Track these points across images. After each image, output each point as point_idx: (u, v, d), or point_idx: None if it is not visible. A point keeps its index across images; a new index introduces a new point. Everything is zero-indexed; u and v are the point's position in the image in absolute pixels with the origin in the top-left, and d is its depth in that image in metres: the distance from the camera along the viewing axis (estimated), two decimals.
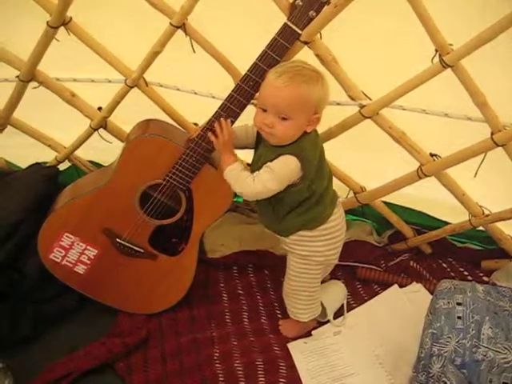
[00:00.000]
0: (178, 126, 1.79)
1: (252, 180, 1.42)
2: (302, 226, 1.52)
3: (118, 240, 1.67)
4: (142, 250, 1.69)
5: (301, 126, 1.39)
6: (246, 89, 1.42)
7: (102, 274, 1.73)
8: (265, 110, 1.37)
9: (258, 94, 1.42)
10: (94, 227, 1.66)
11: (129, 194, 1.60)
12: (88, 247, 1.68)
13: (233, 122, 1.47)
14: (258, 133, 1.49)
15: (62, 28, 1.58)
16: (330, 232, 1.55)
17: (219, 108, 1.46)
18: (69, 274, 1.72)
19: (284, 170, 1.40)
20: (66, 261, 1.70)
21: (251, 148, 1.54)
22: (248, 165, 1.52)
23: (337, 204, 1.58)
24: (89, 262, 1.70)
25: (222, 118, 1.47)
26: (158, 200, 1.60)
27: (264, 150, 1.46)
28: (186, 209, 1.62)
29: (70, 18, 1.58)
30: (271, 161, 1.40)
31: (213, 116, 1.47)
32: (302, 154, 1.39)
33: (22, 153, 2.11)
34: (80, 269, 1.71)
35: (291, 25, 1.39)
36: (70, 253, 1.68)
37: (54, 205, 1.71)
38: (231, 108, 1.45)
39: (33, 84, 1.76)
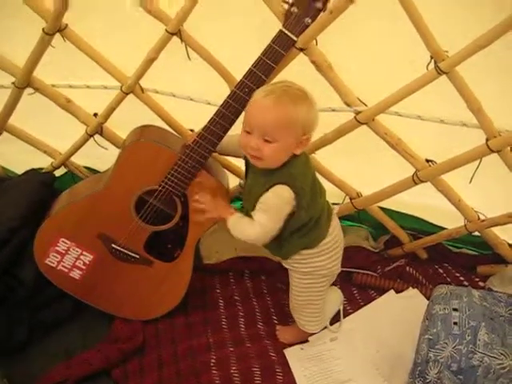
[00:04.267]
0: (173, 133, 1.78)
1: (251, 225, 1.40)
2: (303, 247, 1.50)
3: (113, 245, 1.66)
4: (138, 256, 1.69)
5: (288, 148, 1.34)
6: (242, 95, 1.42)
7: (98, 280, 1.73)
8: (249, 133, 1.33)
9: None
10: (89, 232, 1.66)
11: (124, 199, 1.60)
12: (84, 252, 1.68)
13: (227, 130, 1.47)
14: (246, 157, 1.46)
15: (58, 35, 1.59)
16: (331, 245, 1.53)
17: (214, 115, 1.46)
18: (64, 279, 1.72)
19: (279, 204, 1.36)
20: (62, 266, 1.70)
21: (240, 157, 1.53)
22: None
23: (333, 216, 1.55)
24: (84, 267, 1.70)
25: (199, 195, 1.49)
26: (153, 206, 1.60)
27: (254, 179, 1.43)
28: (181, 215, 1.62)
29: (66, 25, 1.58)
30: (262, 194, 1.36)
31: (208, 122, 1.46)
32: (296, 183, 1.35)
33: (18, 159, 2.11)
34: (75, 274, 1.71)
35: (286, 32, 1.39)
36: (65, 258, 1.68)
37: (50, 210, 1.71)
38: (226, 115, 1.45)
39: (28, 90, 1.76)
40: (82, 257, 1.69)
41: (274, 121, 1.29)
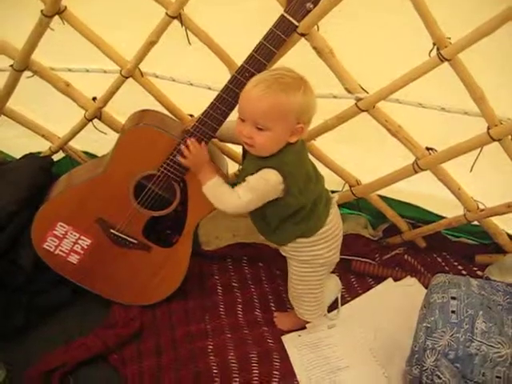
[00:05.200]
0: (173, 118, 1.77)
1: (230, 195, 1.41)
2: (299, 235, 1.50)
3: (111, 230, 1.66)
4: (136, 241, 1.68)
5: (282, 136, 1.34)
6: (242, 80, 1.40)
7: (96, 264, 1.73)
8: (243, 120, 1.33)
9: None
10: (87, 217, 1.65)
11: (123, 184, 1.59)
12: (81, 237, 1.68)
13: (227, 115, 1.45)
14: None
15: (57, 17, 1.57)
16: (329, 234, 1.52)
17: (215, 99, 1.45)
18: (62, 264, 1.72)
19: (262, 184, 1.36)
20: (60, 250, 1.70)
21: (239, 143, 1.52)
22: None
23: (332, 204, 1.55)
24: (82, 251, 1.70)
25: (188, 140, 1.47)
26: (152, 191, 1.59)
27: (247, 161, 1.43)
28: (180, 200, 1.62)
29: (65, 7, 1.56)
30: (252, 174, 1.37)
31: (208, 107, 1.45)
32: (285, 169, 1.35)
33: (16, 143, 2.10)
34: (73, 258, 1.71)
35: (288, 16, 1.38)
36: (63, 242, 1.68)
37: (48, 194, 1.71)
38: (227, 99, 1.43)
39: (27, 73, 1.74)
40: (79, 241, 1.68)
41: (264, 110, 1.28)
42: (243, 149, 1.47)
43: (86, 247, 1.69)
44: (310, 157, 1.55)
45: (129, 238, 1.68)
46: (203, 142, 1.49)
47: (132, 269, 1.74)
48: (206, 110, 1.46)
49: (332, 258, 1.57)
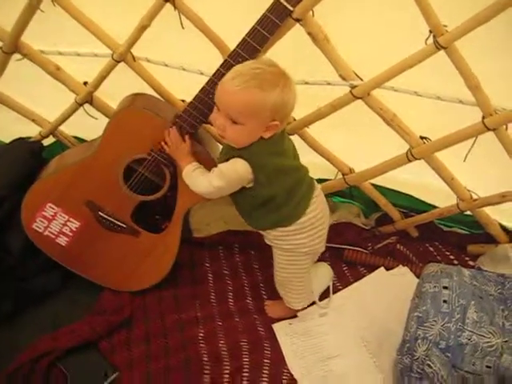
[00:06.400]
0: (166, 102, 1.75)
1: (202, 179, 1.43)
2: (275, 223, 1.49)
3: (100, 213, 1.66)
4: (125, 225, 1.68)
5: (254, 132, 1.33)
6: (234, 65, 1.37)
7: (84, 248, 1.72)
8: (219, 109, 1.32)
9: None
10: (77, 199, 1.65)
11: (113, 166, 1.59)
12: (70, 219, 1.68)
13: (212, 107, 1.40)
14: None
15: None
16: (312, 223, 1.51)
17: (206, 84, 1.43)
18: (51, 245, 1.72)
19: (231, 172, 1.37)
20: (49, 231, 1.70)
21: None
22: None
23: (315, 193, 1.52)
24: (71, 234, 1.70)
25: (170, 129, 1.48)
26: (142, 175, 1.59)
27: (223, 148, 1.45)
28: (169, 186, 1.61)
29: None
30: (223, 162, 1.38)
31: (200, 92, 1.44)
32: (254, 160, 1.35)
33: (6, 127, 2.07)
34: (62, 240, 1.71)
35: (282, 1, 1.35)
36: (52, 223, 1.68)
37: (39, 175, 1.71)
38: (216, 82, 1.39)
39: (16, 56, 1.71)
40: (68, 223, 1.68)
41: (238, 105, 1.27)
42: None
43: (74, 229, 1.69)
44: (300, 145, 1.53)
45: (117, 222, 1.67)
46: (188, 133, 1.49)
47: (120, 253, 1.73)
48: (197, 95, 1.45)
49: (316, 247, 1.57)
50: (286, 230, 1.50)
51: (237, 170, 1.36)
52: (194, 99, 1.46)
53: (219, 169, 1.39)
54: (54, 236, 1.70)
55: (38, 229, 1.69)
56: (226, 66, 1.39)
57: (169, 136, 1.49)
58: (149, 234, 1.70)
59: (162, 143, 1.51)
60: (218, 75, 1.40)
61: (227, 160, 1.38)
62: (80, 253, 1.73)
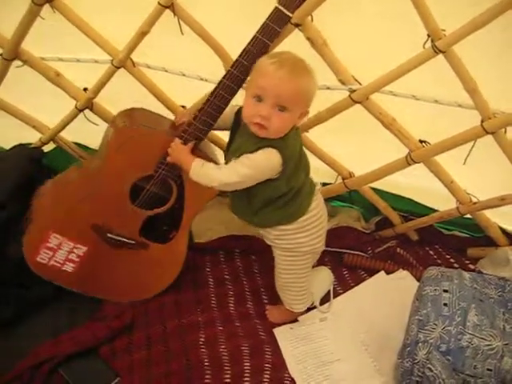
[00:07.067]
0: (165, 108, 1.76)
1: (219, 169, 1.41)
2: (280, 220, 1.50)
3: (108, 235, 1.63)
4: (134, 242, 1.66)
5: (295, 118, 1.36)
6: (238, 75, 1.39)
7: (92, 270, 1.69)
8: (260, 101, 1.32)
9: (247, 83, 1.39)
10: (82, 225, 1.61)
11: (119, 188, 1.56)
12: (77, 245, 1.63)
13: (223, 110, 1.44)
14: (235, 121, 1.46)
15: (48, 6, 1.54)
16: (312, 221, 1.52)
17: (210, 95, 1.42)
18: (57, 274, 1.68)
19: (263, 161, 1.36)
20: (54, 261, 1.65)
21: (227, 130, 1.52)
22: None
23: (315, 192, 1.54)
24: (78, 259, 1.66)
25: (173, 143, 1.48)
26: (149, 191, 1.57)
27: (244, 140, 1.41)
28: (176, 196, 1.60)
29: None
30: (252, 152, 1.36)
31: (204, 104, 1.44)
32: (285, 152, 1.36)
33: (6, 134, 2.08)
34: (69, 267, 1.67)
35: (282, 8, 1.36)
36: (57, 253, 1.63)
37: (36, 204, 1.66)
38: (223, 95, 1.41)
39: (17, 63, 1.72)
40: (75, 250, 1.64)
41: (290, 91, 1.30)
42: (233, 127, 1.48)
43: (81, 254, 1.65)
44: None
45: (126, 240, 1.65)
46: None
47: (129, 268, 1.71)
48: (202, 107, 1.44)
49: (316, 246, 1.57)
50: (288, 228, 1.50)
51: (271, 159, 1.35)
52: (199, 111, 1.45)
53: (248, 158, 1.35)
54: (60, 265, 1.66)
55: (42, 261, 1.64)
56: (229, 77, 1.40)
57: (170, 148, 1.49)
58: (157, 245, 1.68)
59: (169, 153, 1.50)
60: (223, 86, 1.41)
61: (257, 150, 1.36)
62: (88, 275, 1.70)
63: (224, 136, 1.77)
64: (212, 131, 1.65)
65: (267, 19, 1.36)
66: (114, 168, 1.55)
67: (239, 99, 1.42)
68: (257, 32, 1.37)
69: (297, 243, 1.53)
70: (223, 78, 1.41)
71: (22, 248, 1.65)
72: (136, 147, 1.52)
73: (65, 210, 1.60)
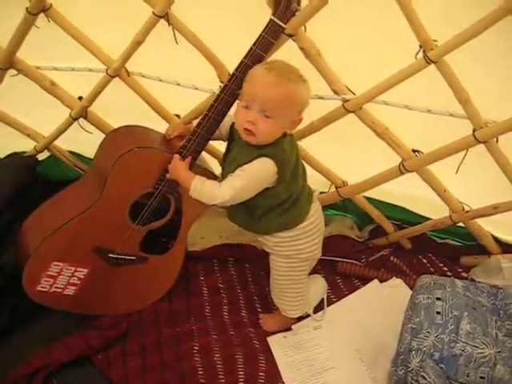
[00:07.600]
0: (159, 117, 1.77)
1: (219, 186, 1.39)
2: (282, 227, 1.51)
3: (110, 255, 1.62)
4: (134, 257, 1.66)
5: (283, 125, 1.36)
6: (235, 88, 1.39)
7: (93, 290, 1.67)
8: (247, 107, 1.33)
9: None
10: (83, 249, 1.59)
11: (119, 209, 1.55)
12: (78, 269, 1.61)
13: (220, 123, 1.44)
14: (231, 132, 1.47)
15: (42, 15, 1.55)
16: (311, 228, 1.53)
17: (208, 110, 1.43)
18: (58, 299, 1.65)
19: (259, 172, 1.36)
20: (55, 288, 1.62)
21: (223, 140, 1.53)
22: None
23: (313, 199, 1.56)
24: (79, 282, 1.64)
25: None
26: (150, 208, 1.57)
27: (239, 151, 1.42)
28: (174, 208, 1.61)
29: (50, 5, 1.54)
30: (247, 163, 1.36)
31: (201, 119, 1.44)
32: (280, 158, 1.36)
33: (0, 142, 2.06)
34: (70, 291, 1.64)
35: (276, 20, 1.37)
36: (58, 279, 1.60)
37: (31, 234, 1.62)
38: (219, 108, 1.42)
39: (11, 72, 1.72)
40: (76, 273, 1.62)
41: (277, 97, 1.30)
42: (229, 138, 1.48)
43: (82, 277, 1.63)
44: None
45: (127, 257, 1.65)
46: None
47: (130, 283, 1.71)
48: (199, 122, 1.45)
49: (314, 252, 1.58)
50: (287, 235, 1.51)
51: (266, 168, 1.35)
52: (196, 127, 1.45)
53: (244, 170, 1.36)
54: (61, 290, 1.63)
55: (43, 289, 1.60)
56: (226, 91, 1.40)
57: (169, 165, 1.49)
58: (156, 256, 1.69)
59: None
60: (221, 101, 1.41)
61: (251, 161, 1.36)
62: (89, 295, 1.68)
63: (220, 146, 1.78)
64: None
65: (263, 31, 1.37)
66: (115, 191, 1.52)
67: None
68: (253, 44, 1.38)
69: (296, 250, 1.54)
70: (220, 91, 1.41)
71: (15, 258, 1.63)
72: (136, 170, 1.51)
73: (66, 239, 1.56)
